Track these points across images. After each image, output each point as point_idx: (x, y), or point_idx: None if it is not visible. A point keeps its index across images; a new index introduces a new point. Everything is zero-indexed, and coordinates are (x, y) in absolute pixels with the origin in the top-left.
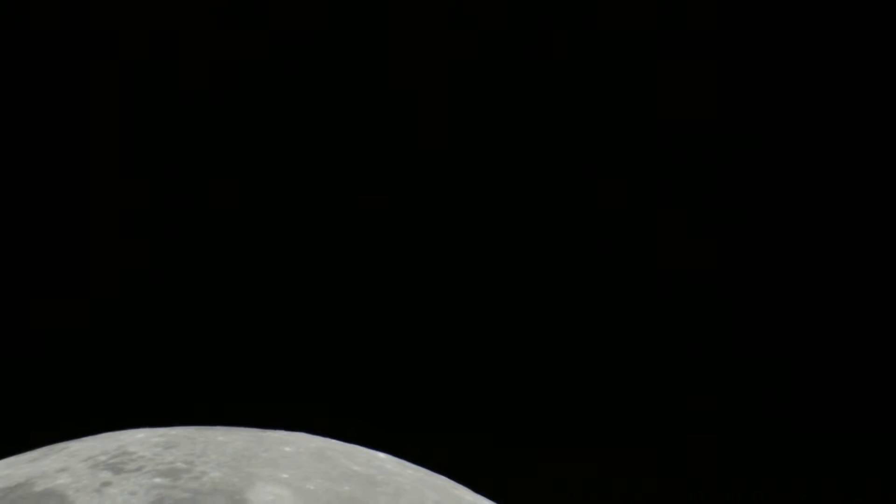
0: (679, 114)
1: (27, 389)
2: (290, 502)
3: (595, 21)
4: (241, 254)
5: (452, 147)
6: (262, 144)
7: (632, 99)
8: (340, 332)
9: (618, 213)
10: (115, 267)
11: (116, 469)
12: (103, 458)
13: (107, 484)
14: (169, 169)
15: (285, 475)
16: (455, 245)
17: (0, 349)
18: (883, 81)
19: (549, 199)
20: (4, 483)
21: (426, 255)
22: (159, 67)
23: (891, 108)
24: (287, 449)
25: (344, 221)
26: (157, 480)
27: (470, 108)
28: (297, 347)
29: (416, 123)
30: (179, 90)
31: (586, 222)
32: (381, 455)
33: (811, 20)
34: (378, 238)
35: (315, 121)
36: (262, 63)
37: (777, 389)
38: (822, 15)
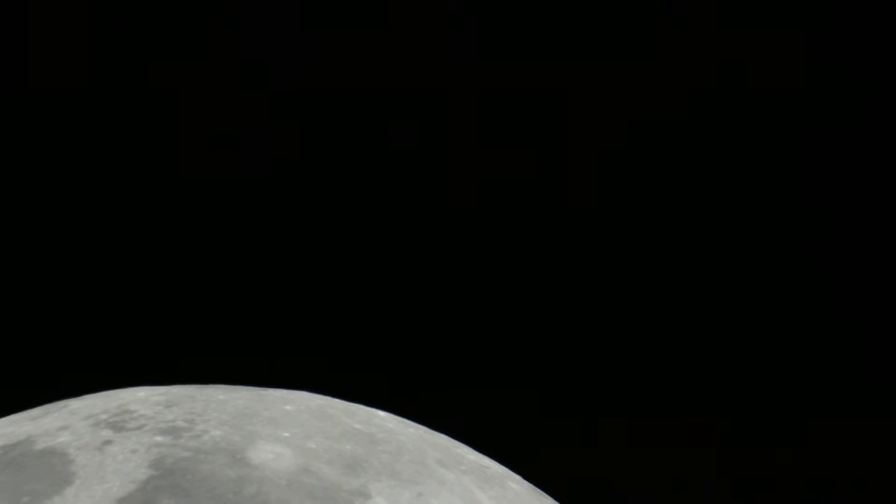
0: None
1: (27, 346)
2: (291, 461)
3: None
4: (241, 208)
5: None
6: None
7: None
8: (341, 291)
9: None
10: (112, 227)
11: (117, 427)
12: (104, 416)
13: (108, 442)
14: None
15: (286, 434)
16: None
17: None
18: None
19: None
20: (5, 441)
21: (431, 211)
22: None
23: None
24: (288, 408)
25: (340, 183)
26: (158, 439)
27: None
28: (296, 305)
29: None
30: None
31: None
32: (382, 413)
33: None
34: (379, 193)
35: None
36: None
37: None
38: None
